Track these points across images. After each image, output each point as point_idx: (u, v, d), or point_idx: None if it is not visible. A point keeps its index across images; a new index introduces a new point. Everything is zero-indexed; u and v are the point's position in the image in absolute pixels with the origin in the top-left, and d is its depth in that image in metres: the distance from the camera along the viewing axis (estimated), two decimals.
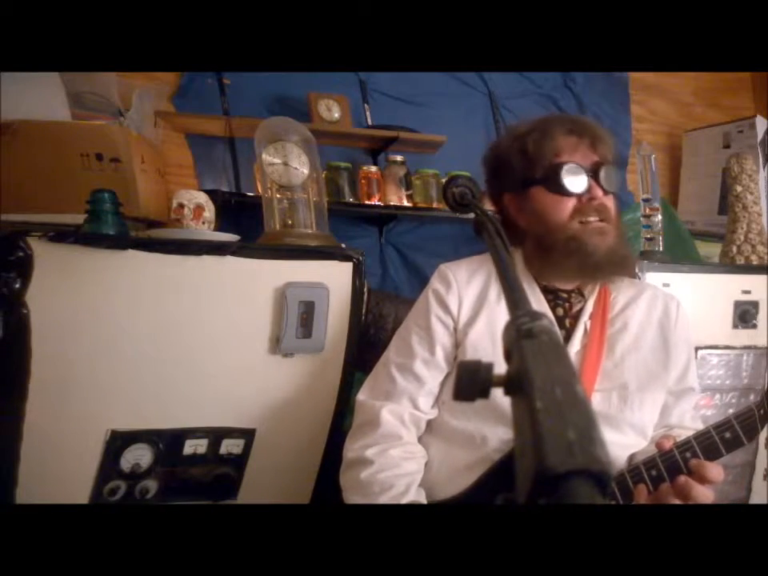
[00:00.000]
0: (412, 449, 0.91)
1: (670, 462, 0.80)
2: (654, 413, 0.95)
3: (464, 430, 0.89)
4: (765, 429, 0.82)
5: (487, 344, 0.90)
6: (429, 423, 0.95)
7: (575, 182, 0.87)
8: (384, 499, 0.83)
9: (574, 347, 0.90)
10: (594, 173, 0.89)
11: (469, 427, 0.89)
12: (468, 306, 0.93)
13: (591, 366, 0.89)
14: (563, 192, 0.88)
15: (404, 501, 0.84)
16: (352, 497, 0.88)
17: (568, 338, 0.91)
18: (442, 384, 0.95)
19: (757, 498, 1.40)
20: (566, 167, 0.87)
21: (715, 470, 0.77)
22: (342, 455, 0.94)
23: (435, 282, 0.97)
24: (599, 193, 0.88)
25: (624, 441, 0.91)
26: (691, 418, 1.00)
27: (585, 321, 0.92)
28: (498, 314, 0.92)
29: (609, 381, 0.90)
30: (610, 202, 0.91)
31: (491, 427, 0.87)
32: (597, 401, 0.89)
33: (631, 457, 0.93)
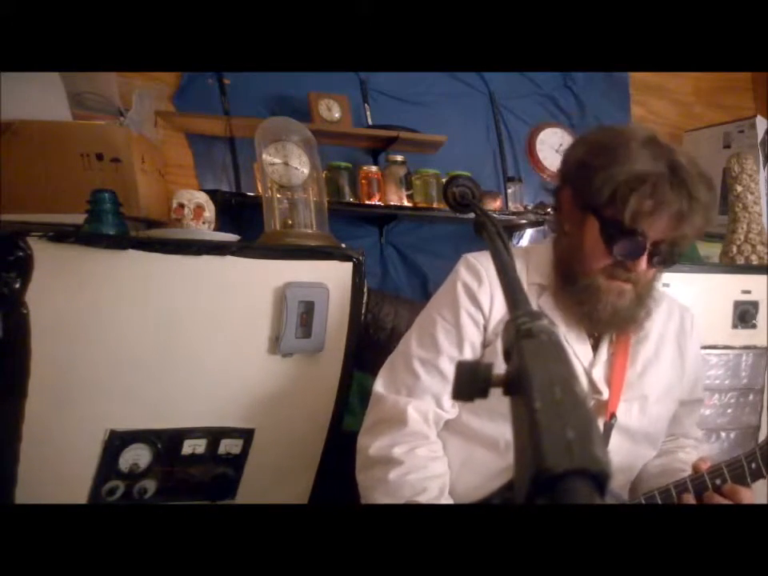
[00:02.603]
0: (435, 448, 0.87)
1: (700, 486, 0.82)
2: (666, 424, 0.95)
3: (488, 433, 0.86)
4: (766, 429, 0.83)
5: None
6: (446, 421, 0.92)
7: (627, 252, 0.79)
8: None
9: (602, 356, 0.89)
10: (655, 248, 0.79)
11: (492, 430, 0.86)
12: (500, 303, 0.87)
13: (618, 376, 0.88)
14: (610, 250, 0.80)
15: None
16: (376, 496, 0.83)
17: (596, 346, 0.90)
18: None
19: (756, 498, 1.39)
20: (628, 236, 0.78)
21: (748, 495, 0.79)
22: (359, 450, 0.88)
23: (464, 274, 0.90)
24: (643, 267, 0.80)
25: (638, 451, 0.92)
26: (695, 428, 1.02)
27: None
28: None
29: (631, 391, 0.89)
30: (650, 274, 0.84)
31: None
32: (620, 411, 0.88)
33: (643, 468, 0.94)
